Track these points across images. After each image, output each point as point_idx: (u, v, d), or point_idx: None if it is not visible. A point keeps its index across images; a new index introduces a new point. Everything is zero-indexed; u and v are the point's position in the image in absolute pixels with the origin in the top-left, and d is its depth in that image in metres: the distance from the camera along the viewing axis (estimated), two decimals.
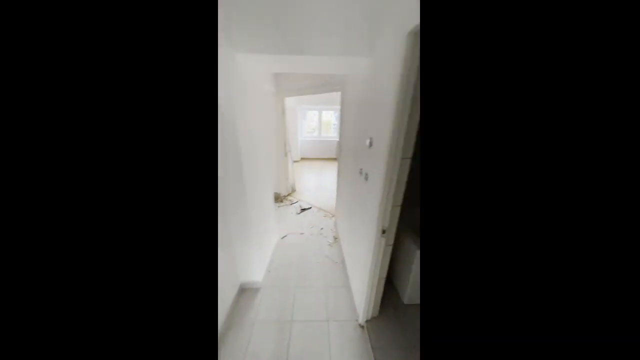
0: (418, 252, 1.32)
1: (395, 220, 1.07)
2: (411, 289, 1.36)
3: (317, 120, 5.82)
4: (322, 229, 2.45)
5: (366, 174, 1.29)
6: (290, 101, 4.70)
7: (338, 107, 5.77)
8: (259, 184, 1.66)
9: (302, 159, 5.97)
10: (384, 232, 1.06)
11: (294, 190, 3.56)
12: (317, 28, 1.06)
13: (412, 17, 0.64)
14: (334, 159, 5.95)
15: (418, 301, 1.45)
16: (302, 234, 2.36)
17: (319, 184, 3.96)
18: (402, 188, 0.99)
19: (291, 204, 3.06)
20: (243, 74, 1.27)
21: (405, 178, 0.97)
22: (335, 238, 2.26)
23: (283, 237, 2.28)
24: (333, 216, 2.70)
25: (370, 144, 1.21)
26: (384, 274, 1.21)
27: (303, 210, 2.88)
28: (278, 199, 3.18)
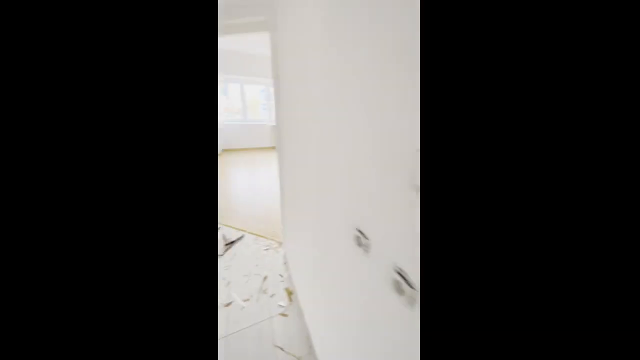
0: None
1: None
2: None
3: (240, 98, 4.35)
4: (265, 278, 1.43)
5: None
6: None
7: (265, 80, 4.38)
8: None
9: (225, 151, 4.46)
10: None
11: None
12: None
13: None
14: (268, 148, 4.77)
15: None
16: (228, 305, 1.26)
17: (251, 189, 2.81)
18: None
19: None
20: None
21: None
22: (290, 293, 1.34)
23: None
24: (279, 244, 1.74)
25: None
26: None
27: (230, 244, 1.75)
28: None
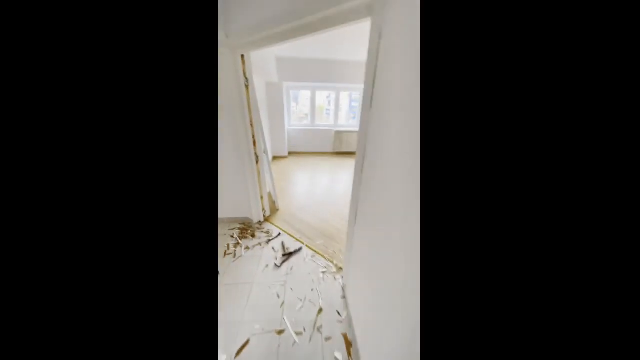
0: None
1: None
2: None
3: (310, 104, 4.47)
4: (320, 311, 1.22)
5: None
6: (270, 72, 3.32)
7: (336, 85, 4.28)
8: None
9: (290, 153, 4.68)
10: None
11: (276, 210, 2.33)
12: None
13: None
14: (330, 154, 4.70)
15: None
16: (280, 332, 1.13)
17: (310, 196, 2.74)
18: None
19: (268, 241, 1.84)
20: None
21: None
22: (349, 344, 1.06)
23: (239, 353, 1.04)
24: (338, 269, 1.53)
25: None
26: None
27: (287, 255, 1.68)
28: (246, 231, 1.95)
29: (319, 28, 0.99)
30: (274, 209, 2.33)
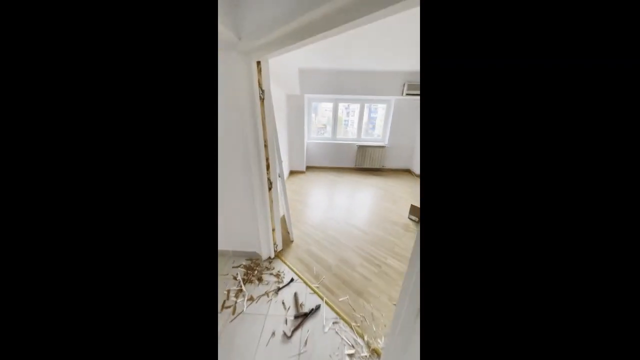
0: None
1: None
2: None
3: (332, 117, 4.17)
4: None
5: None
6: (292, 85, 3.08)
7: (361, 97, 3.96)
8: None
9: (309, 168, 4.37)
10: None
11: (290, 242, 1.97)
12: None
13: None
14: (350, 170, 4.30)
15: None
16: None
17: (331, 220, 2.34)
18: None
19: (278, 290, 1.46)
20: None
21: None
22: None
23: None
24: (373, 354, 1.09)
25: None
26: None
27: (301, 317, 1.28)
28: (252, 272, 1.59)
29: (353, 17, 0.64)
30: (287, 240, 1.97)
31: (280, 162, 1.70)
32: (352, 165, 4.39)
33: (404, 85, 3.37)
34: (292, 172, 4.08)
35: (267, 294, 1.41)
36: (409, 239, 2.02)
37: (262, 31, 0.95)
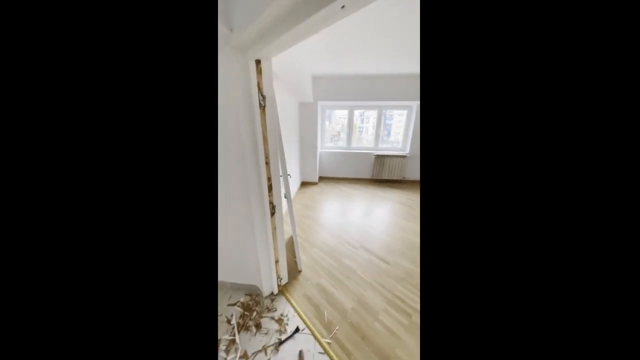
0: None
1: None
2: None
3: (347, 125, 3.89)
4: None
5: None
6: (305, 92, 2.72)
7: (379, 103, 3.69)
8: None
9: (321, 179, 4.09)
10: None
11: (297, 273, 1.67)
12: None
13: None
14: (367, 181, 3.94)
15: None
16: None
17: (345, 244, 2.00)
18: None
19: (279, 343, 1.16)
20: None
21: None
22: None
23: None
24: None
25: None
26: None
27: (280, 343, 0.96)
28: (249, 315, 1.30)
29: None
30: (295, 270, 1.67)
31: (287, 178, 1.44)
32: (369, 176, 4.04)
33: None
34: (303, 184, 3.83)
35: (264, 349, 1.12)
36: None
37: (252, 16, 0.70)
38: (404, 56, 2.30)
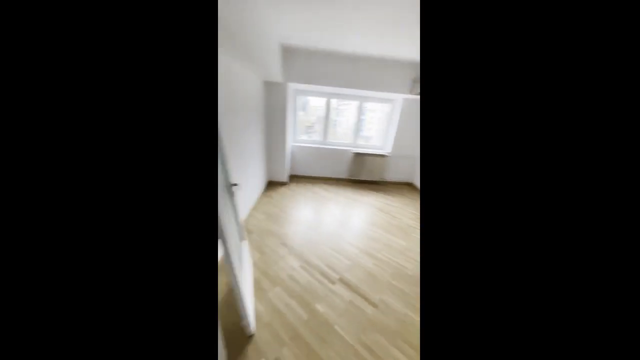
0: None
1: None
2: None
3: (324, 116, 3.33)
4: None
5: None
6: (271, 67, 1.76)
7: (360, 93, 3.06)
8: None
9: (292, 178, 3.50)
10: None
11: (247, 338, 1.11)
12: None
13: None
14: (343, 181, 3.50)
15: None
16: None
17: (316, 276, 1.51)
18: None
19: None
20: None
21: None
22: None
23: None
24: None
25: None
26: None
27: None
28: None
29: None
30: (240, 338, 1.11)
31: (231, 186, 0.84)
32: (345, 176, 3.60)
33: (412, 81, 2.63)
34: (270, 184, 3.20)
35: None
36: None
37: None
38: (393, 37, 1.80)
